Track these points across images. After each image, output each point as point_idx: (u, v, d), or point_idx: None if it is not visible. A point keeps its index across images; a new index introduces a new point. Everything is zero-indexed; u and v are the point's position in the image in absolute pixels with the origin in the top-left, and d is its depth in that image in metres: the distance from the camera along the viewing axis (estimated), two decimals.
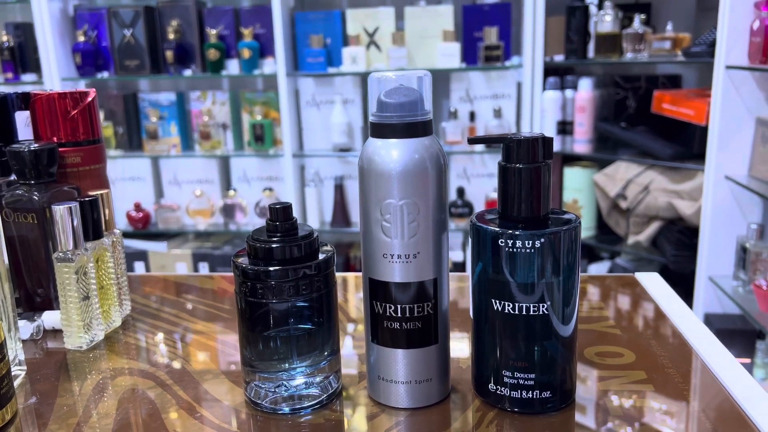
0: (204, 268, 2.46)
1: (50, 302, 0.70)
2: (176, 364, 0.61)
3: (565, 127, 2.23)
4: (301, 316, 0.51)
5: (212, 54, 2.31)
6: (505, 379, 0.49)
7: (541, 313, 0.47)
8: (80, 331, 0.64)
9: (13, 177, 0.71)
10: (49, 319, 0.68)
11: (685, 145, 1.99)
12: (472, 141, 0.49)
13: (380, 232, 0.48)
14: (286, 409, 0.52)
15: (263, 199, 2.46)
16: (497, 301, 0.48)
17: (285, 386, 0.52)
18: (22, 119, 0.74)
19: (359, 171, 0.50)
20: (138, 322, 0.71)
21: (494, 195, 2.33)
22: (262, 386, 0.52)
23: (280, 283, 0.49)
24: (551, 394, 0.49)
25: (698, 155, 1.90)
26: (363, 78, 2.36)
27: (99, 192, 0.68)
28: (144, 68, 2.36)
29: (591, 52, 2.12)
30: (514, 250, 0.47)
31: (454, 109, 2.29)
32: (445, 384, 0.53)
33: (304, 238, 0.51)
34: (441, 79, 2.36)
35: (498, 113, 2.26)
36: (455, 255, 2.42)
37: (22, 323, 0.66)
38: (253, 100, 2.41)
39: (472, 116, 2.29)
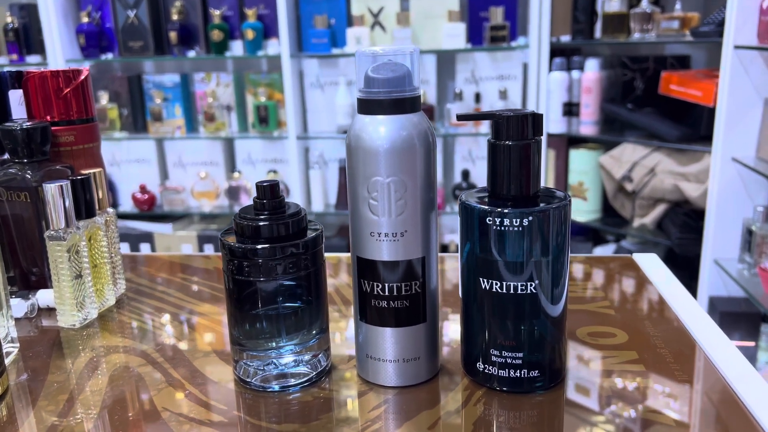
0: (209, 250, 2.47)
1: (45, 281, 0.70)
2: (168, 343, 0.61)
3: (571, 109, 2.21)
4: (289, 294, 0.51)
5: (216, 35, 2.30)
6: (493, 358, 0.49)
7: (529, 292, 0.47)
8: (73, 309, 0.64)
9: (6, 156, 0.70)
10: (44, 297, 0.68)
11: (692, 127, 1.97)
12: (461, 117, 0.48)
13: (367, 210, 0.48)
14: (276, 387, 0.52)
15: None
16: (485, 280, 0.48)
17: (274, 364, 0.52)
18: (16, 98, 0.74)
19: (347, 148, 0.49)
20: (132, 301, 0.72)
21: None
22: (251, 364, 0.52)
23: (267, 261, 0.49)
24: (539, 374, 0.49)
25: (705, 137, 1.88)
26: None
27: (92, 171, 0.68)
28: (148, 49, 2.36)
29: (598, 32, 2.09)
30: (503, 228, 0.46)
31: (460, 90, 2.27)
32: (433, 362, 0.52)
33: (291, 216, 0.50)
34: (446, 59, 2.34)
35: (504, 94, 2.24)
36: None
37: (16, 302, 0.66)
38: (257, 81, 2.40)
39: (477, 97, 2.28)
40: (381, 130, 0.47)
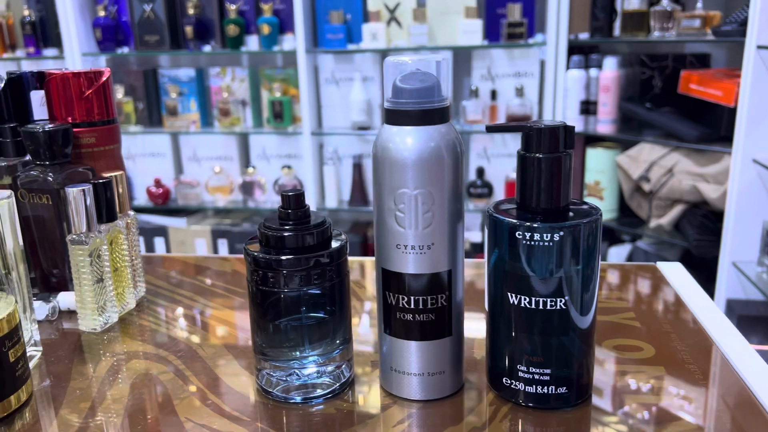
0: (223, 245, 2.47)
1: (65, 283, 0.70)
2: (189, 349, 0.61)
3: (588, 107, 2.19)
4: (313, 304, 0.50)
5: (232, 30, 2.30)
6: (520, 374, 0.48)
7: (558, 307, 0.46)
8: (94, 314, 0.63)
9: (28, 157, 0.70)
10: (65, 300, 0.68)
11: (711, 127, 1.94)
12: (491, 129, 0.48)
13: (394, 221, 0.47)
14: (298, 398, 0.51)
15: (282, 177, 2.46)
16: (514, 295, 0.47)
17: (297, 375, 0.51)
18: (37, 98, 0.74)
19: (373, 158, 0.48)
20: (152, 305, 0.71)
21: (514, 175, 2.30)
22: (274, 374, 0.52)
23: (292, 272, 0.48)
24: (567, 390, 0.48)
25: (725, 138, 1.86)
26: (383, 55, 2.33)
27: (113, 174, 0.67)
28: (164, 44, 2.36)
29: (617, 29, 2.07)
30: (533, 243, 0.45)
31: (475, 87, 2.25)
32: (458, 376, 0.52)
33: (316, 227, 0.50)
34: (462, 56, 2.32)
35: (520, 92, 2.22)
36: (474, 236, 2.40)
37: (37, 304, 0.66)
38: (272, 76, 2.40)
39: (493, 95, 2.26)
40: (408, 141, 0.46)
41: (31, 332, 0.58)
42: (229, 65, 2.45)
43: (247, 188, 2.48)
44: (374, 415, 0.50)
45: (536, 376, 0.48)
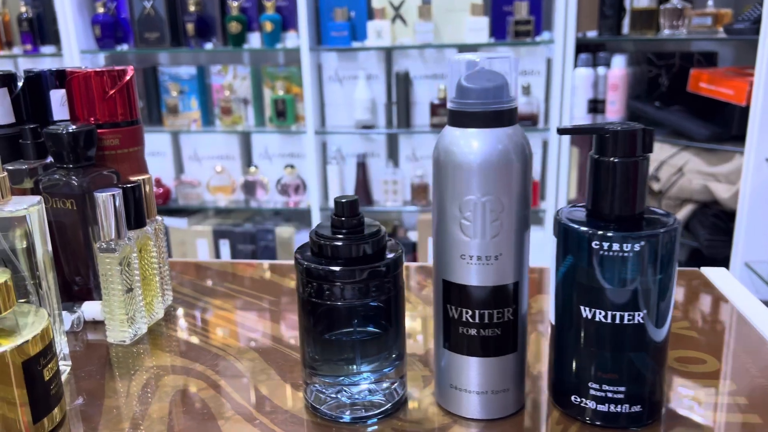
0: (225, 246, 2.44)
1: (89, 291, 0.67)
2: (226, 362, 0.58)
3: (596, 106, 2.17)
4: (367, 318, 0.47)
5: (234, 27, 2.26)
6: (591, 391, 0.46)
7: (636, 321, 0.43)
8: (123, 325, 0.60)
9: (49, 159, 0.67)
10: (89, 310, 0.65)
11: (722, 126, 1.92)
12: (562, 132, 0.45)
13: (458, 230, 0.44)
14: (347, 417, 0.48)
15: (284, 177, 2.42)
16: (587, 309, 0.44)
17: (346, 392, 0.48)
18: (57, 98, 0.70)
19: (434, 163, 0.45)
20: (180, 314, 0.68)
21: None
22: (323, 390, 0.49)
23: (347, 284, 0.45)
24: (641, 408, 0.46)
25: (736, 137, 1.84)
26: (387, 53, 2.30)
27: (140, 177, 0.64)
28: (164, 41, 2.31)
29: (626, 27, 2.04)
30: (610, 253, 0.42)
31: None
32: (521, 394, 0.49)
33: (372, 236, 0.47)
34: None
35: (527, 90, 2.20)
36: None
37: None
38: (274, 74, 2.36)
39: None
40: (474, 144, 0.43)
41: (60, 345, 0.55)
42: (231, 63, 2.41)
43: (249, 188, 2.45)
44: None
45: (609, 394, 0.45)
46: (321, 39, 2.28)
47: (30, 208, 0.51)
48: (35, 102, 0.70)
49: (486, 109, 0.43)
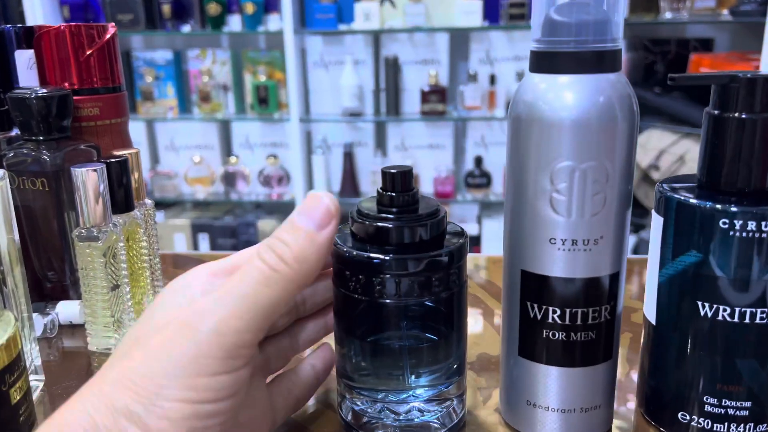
0: (204, 240, 2.32)
1: (64, 290, 0.56)
2: None
3: None
4: (422, 320, 0.38)
5: (212, 8, 2.14)
6: (706, 407, 0.37)
7: None
8: (108, 330, 0.50)
9: (15, 132, 0.56)
10: (66, 311, 0.54)
11: None
12: (675, 79, 0.35)
13: (547, 206, 0.35)
14: None
15: (267, 167, 2.31)
16: (706, 304, 0.35)
17: (392, 412, 0.39)
18: (24, 60, 0.59)
19: (512, 120, 0.36)
20: None
21: None
22: (363, 408, 0.39)
23: (400, 276, 0.36)
24: (767, 428, 0.37)
25: None
26: (376, 36, 2.20)
27: (127, 151, 0.53)
28: (138, 23, 2.18)
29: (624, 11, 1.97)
30: (744, 234, 0.33)
31: (474, 71, 2.14)
32: (611, 411, 0.40)
33: (430, 216, 0.37)
34: (460, 38, 2.20)
35: (521, 76, 2.12)
36: (470, 228, 2.29)
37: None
38: (256, 59, 2.24)
39: (492, 79, 2.15)
40: (569, 95, 0.34)
41: (31, 357, 0.44)
42: (210, 47, 2.28)
43: (230, 179, 2.33)
44: None
45: (730, 411, 0.36)
46: (305, 21, 2.17)
47: None
48: None
49: (585, 48, 0.34)
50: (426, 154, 2.27)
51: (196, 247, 2.33)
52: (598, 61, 0.34)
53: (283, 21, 2.10)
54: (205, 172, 2.34)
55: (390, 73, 2.17)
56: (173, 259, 0.72)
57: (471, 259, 0.69)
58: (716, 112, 0.35)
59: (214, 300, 0.30)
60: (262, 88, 2.21)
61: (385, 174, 0.37)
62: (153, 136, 2.39)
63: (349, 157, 2.28)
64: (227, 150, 2.39)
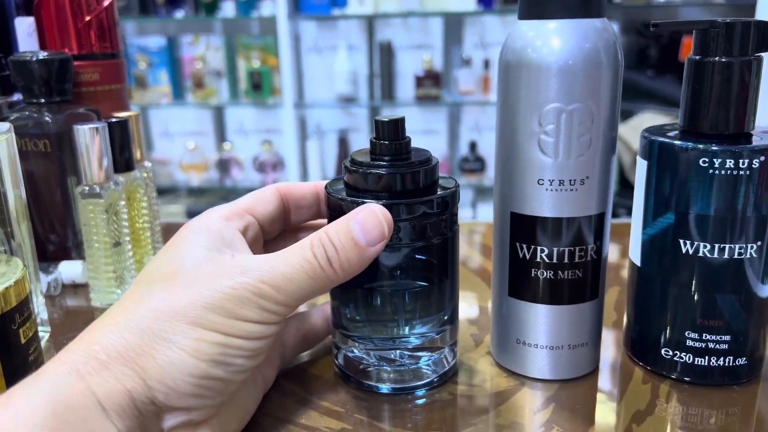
0: None
1: (66, 251, 0.58)
2: None
3: None
4: (414, 267, 0.39)
5: None
6: (688, 342, 0.38)
7: (748, 256, 0.36)
8: (110, 285, 0.51)
9: (16, 96, 0.57)
10: (68, 270, 0.55)
11: None
12: (657, 26, 0.37)
13: (536, 148, 0.36)
14: (386, 389, 0.40)
15: (261, 153, 2.32)
16: (686, 242, 0.37)
17: (385, 360, 0.40)
18: (24, 27, 0.60)
19: (502, 67, 0.37)
20: None
21: None
22: (358, 356, 0.40)
23: (395, 223, 0.37)
24: (746, 361, 0.38)
25: None
26: (370, 21, 2.20)
27: (128, 113, 0.55)
28: (131, 9, 2.18)
29: None
30: (722, 172, 0.35)
31: (468, 56, 2.15)
32: (598, 350, 0.41)
33: (422, 164, 0.38)
34: (453, 23, 2.21)
35: None
36: (464, 213, 2.31)
37: None
38: (250, 45, 2.25)
39: (486, 64, 2.16)
40: (556, 40, 0.35)
41: (37, 308, 0.46)
42: (203, 33, 2.29)
43: (224, 165, 2.34)
44: (504, 400, 0.39)
45: (711, 345, 0.38)
46: (299, 6, 2.17)
47: None
48: None
49: None
50: (420, 140, 2.28)
51: None
52: (585, 6, 0.35)
53: (276, 6, 2.10)
54: (199, 159, 2.34)
55: (384, 58, 2.18)
56: (175, 228, 0.73)
57: (465, 225, 0.70)
58: (697, 57, 0.37)
59: (259, 264, 0.32)
60: (256, 73, 2.22)
61: (379, 123, 0.39)
62: (147, 122, 2.39)
63: (343, 143, 2.30)
64: (221, 136, 2.40)
